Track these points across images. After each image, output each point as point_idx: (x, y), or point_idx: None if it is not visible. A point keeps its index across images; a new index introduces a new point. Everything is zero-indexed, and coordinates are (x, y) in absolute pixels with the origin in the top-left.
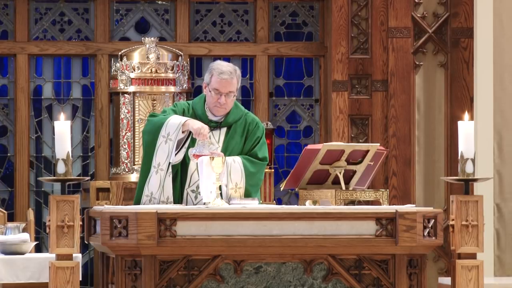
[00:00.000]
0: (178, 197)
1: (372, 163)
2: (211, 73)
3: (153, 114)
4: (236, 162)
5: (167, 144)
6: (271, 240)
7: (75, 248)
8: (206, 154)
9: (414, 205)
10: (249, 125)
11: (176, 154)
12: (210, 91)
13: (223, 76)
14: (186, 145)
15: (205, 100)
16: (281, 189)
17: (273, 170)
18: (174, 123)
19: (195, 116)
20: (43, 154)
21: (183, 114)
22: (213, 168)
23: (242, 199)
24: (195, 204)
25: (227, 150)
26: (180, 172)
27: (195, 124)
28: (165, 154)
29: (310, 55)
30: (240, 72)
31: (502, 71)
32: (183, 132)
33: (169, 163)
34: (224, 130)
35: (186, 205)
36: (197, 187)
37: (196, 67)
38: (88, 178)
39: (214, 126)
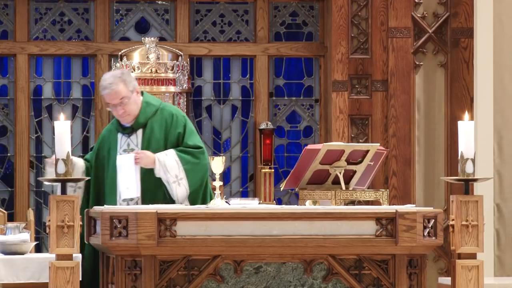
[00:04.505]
0: None
1: (372, 163)
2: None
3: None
4: (169, 154)
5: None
6: (271, 240)
7: (75, 248)
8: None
9: (414, 205)
10: (166, 120)
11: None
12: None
13: (105, 91)
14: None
15: None
16: (281, 189)
17: (273, 170)
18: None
19: (118, 125)
20: (43, 154)
21: (110, 133)
22: (213, 169)
23: (242, 199)
24: None
25: (149, 150)
26: (112, 186)
27: None
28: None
29: (310, 55)
30: (127, 73)
31: (502, 71)
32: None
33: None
34: (140, 132)
35: None
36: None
37: (196, 67)
38: (88, 178)
39: (128, 132)
